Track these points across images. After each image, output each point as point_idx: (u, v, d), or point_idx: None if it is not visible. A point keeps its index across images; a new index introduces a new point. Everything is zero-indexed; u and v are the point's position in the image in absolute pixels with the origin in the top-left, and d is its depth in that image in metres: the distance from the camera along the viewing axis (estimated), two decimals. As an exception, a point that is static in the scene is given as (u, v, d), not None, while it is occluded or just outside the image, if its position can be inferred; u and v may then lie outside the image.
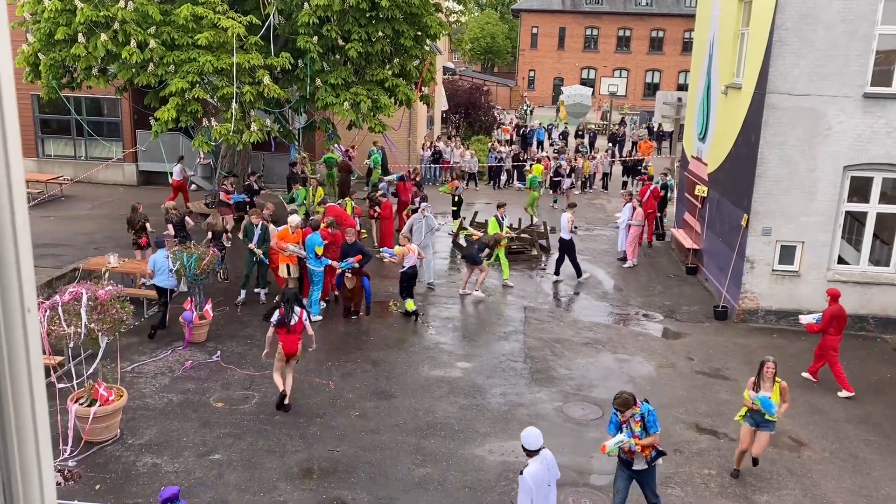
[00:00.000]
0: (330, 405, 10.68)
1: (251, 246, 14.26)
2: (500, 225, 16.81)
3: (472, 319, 14.54)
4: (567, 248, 16.98)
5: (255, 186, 19.76)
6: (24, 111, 22.16)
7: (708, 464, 9.71)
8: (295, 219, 14.50)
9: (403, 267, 14.25)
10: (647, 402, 7.97)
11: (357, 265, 13.75)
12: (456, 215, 21.18)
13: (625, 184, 29.52)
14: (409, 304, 14.31)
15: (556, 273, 17.23)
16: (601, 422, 10.70)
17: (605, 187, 29.03)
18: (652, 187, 20.93)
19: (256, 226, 14.29)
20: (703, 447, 10.13)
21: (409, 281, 14.33)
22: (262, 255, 14.28)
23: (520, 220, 21.19)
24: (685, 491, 9.07)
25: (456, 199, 21.09)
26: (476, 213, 21.17)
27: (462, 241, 19.63)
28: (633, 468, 7.94)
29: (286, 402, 10.37)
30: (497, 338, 13.68)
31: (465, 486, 8.93)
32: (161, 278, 12.70)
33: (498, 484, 9.00)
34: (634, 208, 18.64)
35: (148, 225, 15.48)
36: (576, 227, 16.26)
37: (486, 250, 15.68)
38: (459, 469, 9.30)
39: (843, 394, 11.87)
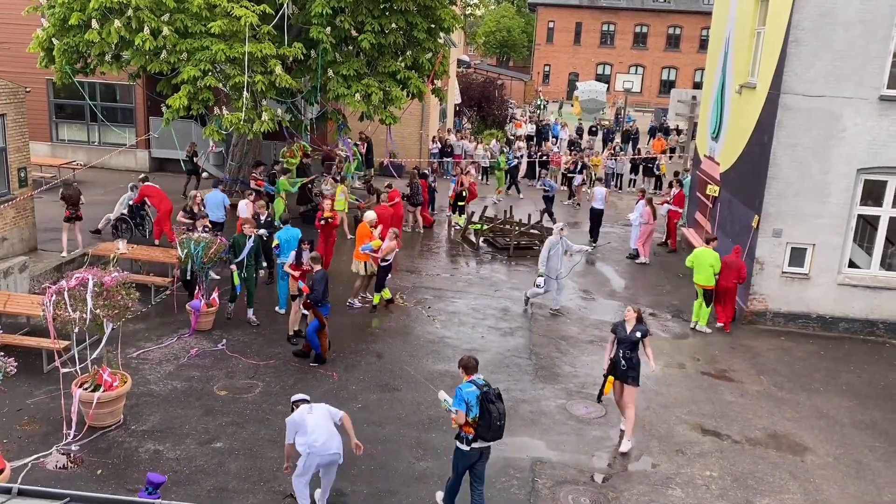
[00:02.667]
0: (333, 397, 10.68)
1: (233, 267, 12.75)
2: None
3: (477, 314, 14.51)
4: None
5: (278, 177, 19.74)
6: (38, 96, 22.25)
7: (710, 465, 9.66)
8: (370, 215, 14.58)
9: (387, 261, 14.10)
10: (479, 379, 7.86)
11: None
12: (455, 209, 21.18)
13: (632, 181, 29.40)
14: (386, 293, 14.41)
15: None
16: (604, 420, 10.68)
17: (619, 187, 28.89)
18: (675, 191, 20.55)
19: (249, 237, 12.77)
20: (706, 449, 10.07)
21: (386, 273, 14.27)
22: (236, 275, 12.93)
23: (505, 211, 21.13)
24: (686, 492, 9.03)
25: (464, 193, 21.06)
26: (486, 208, 21.13)
27: (472, 237, 19.61)
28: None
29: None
30: (502, 333, 13.65)
31: (465, 481, 8.90)
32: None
33: (498, 479, 8.98)
34: (646, 207, 18.52)
35: (83, 198, 15.59)
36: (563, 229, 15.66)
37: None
38: (460, 464, 9.28)
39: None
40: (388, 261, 14.12)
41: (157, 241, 16.22)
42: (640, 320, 10.03)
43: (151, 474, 7.03)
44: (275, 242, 13.43)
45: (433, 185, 22.15)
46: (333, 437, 7.80)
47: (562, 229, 14.92)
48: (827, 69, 13.62)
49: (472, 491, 8.10)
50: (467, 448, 7.86)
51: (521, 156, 29.34)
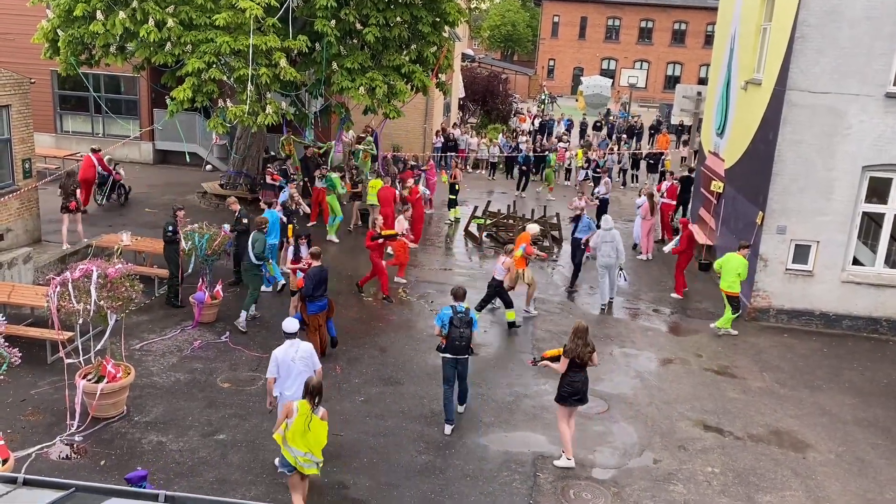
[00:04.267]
0: (336, 389, 10.71)
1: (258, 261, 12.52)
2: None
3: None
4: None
5: (291, 171, 19.84)
6: (43, 87, 22.27)
7: (711, 462, 9.66)
8: (534, 228, 15.09)
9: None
10: (460, 306, 9.83)
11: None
12: (452, 203, 21.16)
13: (635, 177, 29.37)
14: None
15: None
16: (606, 416, 10.69)
17: (623, 183, 28.85)
18: (668, 184, 20.58)
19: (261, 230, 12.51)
20: (708, 445, 10.08)
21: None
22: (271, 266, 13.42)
23: (508, 206, 21.12)
24: (687, 488, 9.04)
25: (457, 187, 21.03)
26: (489, 203, 21.12)
27: (474, 231, 19.60)
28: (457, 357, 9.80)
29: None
30: (505, 328, 13.66)
31: (466, 475, 8.94)
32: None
33: (500, 474, 9.00)
34: (645, 202, 18.50)
35: (78, 192, 15.86)
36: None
37: None
38: (462, 458, 9.31)
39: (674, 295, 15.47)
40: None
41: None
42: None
43: (128, 476, 6.89)
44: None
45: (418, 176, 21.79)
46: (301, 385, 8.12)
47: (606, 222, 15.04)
48: (832, 66, 13.57)
49: (460, 385, 10.17)
50: (442, 355, 9.86)
51: (519, 148, 29.38)
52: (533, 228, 14.90)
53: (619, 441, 10.05)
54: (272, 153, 20.81)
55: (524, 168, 25.89)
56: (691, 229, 16.45)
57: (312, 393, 7.44)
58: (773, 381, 12.22)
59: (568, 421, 9.27)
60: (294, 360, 8.48)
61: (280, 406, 8.36)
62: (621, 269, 15.14)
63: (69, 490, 3.73)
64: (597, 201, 20.71)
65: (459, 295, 10.01)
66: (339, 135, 22.28)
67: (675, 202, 20.52)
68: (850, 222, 14.17)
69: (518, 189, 25.54)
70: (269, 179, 18.88)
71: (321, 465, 7.68)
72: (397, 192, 17.92)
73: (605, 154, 28.36)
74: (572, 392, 9.06)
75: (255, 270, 12.63)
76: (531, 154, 26.77)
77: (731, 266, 13.67)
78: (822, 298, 14.54)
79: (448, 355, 9.79)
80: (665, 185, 20.55)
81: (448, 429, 9.87)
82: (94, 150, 18.82)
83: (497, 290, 13.58)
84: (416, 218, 17.57)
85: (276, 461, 8.30)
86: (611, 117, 42.43)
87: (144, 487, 6.69)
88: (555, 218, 20.20)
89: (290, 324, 8.71)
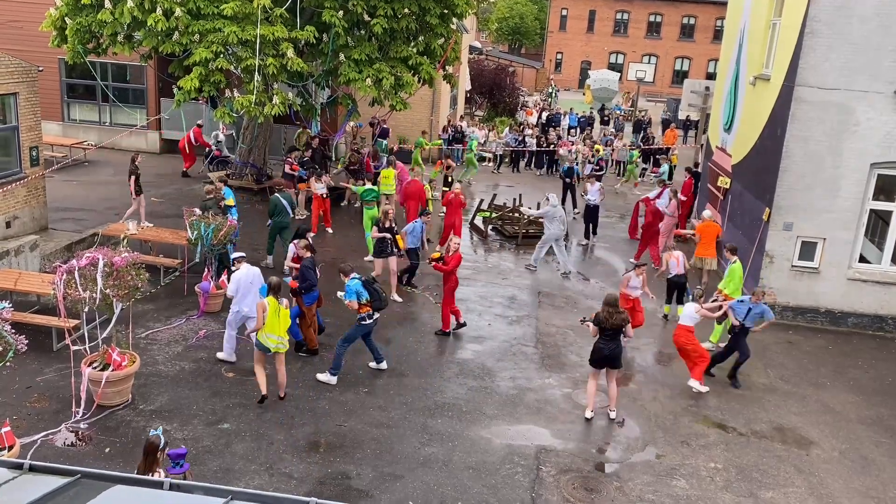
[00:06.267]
0: (340, 380, 10.73)
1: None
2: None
3: (485, 302, 14.53)
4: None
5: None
6: (50, 75, 22.27)
7: (714, 457, 9.67)
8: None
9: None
10: (356, 275, 10.66)
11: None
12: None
13: (644, 171, 29.27)
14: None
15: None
16: (609, 410, 10.68)
17: (619, 174, 28.77)
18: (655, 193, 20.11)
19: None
20: (711, 440, 10.08)
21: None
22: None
23: (514, 199, 21.05)
24: (690, 483, 9.05)
25: (450, 179, 21.01)
26: (495, 196, 21.09)
27: (480, 224, 19.59)
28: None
29: None
30: (510, 321, 13.67)
31: (469, 467, 8.97)
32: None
33: (503, 466, 9.02)
34: (671, 199, 18.42)
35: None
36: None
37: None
38: (465, 450, 9.33)
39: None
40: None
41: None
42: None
43: (171, 451, 6.91)
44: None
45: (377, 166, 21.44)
46: (256, 299, 10.49)
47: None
48: (842, 62, 13.49)
49: (368, 344, 11.10)
50: (369, 321, 10.68)
51: (524, 141, 29.41)
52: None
53: (622, 435, 10.07)
54: (293, 145, 20.97)
55: (567, 181, 22.17)
56: (654, 205, 17.82)
57: (275, 290, 9.82)
58: (776, 378, 12.21)
59: (598, 382, 10.44)
60: (252, 282, 10.72)
61: (229, 333, 10.97)
62: (566, 240, 17.44)
63: (75, 476, 3.75)
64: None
65: (347, 270, 10.71)
66: (343, 125, 22.31)
67: (686, 199, 20.19)
68: (857, 220, 14.12)
69: (563, 204, 20.81)
70: (287, 170, 19.05)
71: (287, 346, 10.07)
72: (427, 191, 17.83)
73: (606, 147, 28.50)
74: (599, 357, 10.16)
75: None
76: (573, 164, 23.65)
77: (737, 276, 13.03)
78: (827, 296, 14.51)
79: (375, 316, 10.77)
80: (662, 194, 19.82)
81: (334, 379, 10.69)
82: (197, 125, 21.35)
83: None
84: (445, 225, 16.90)
85: (254, 342, 10.11)
86: (606, 111, 42.37)
87: (182, 465, 6.61)
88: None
89: (238, 254, 11.15)
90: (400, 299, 14.23)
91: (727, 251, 13.31)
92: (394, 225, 14.43)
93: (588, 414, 10.36)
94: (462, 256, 13.11)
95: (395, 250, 14.30)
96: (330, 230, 18.01)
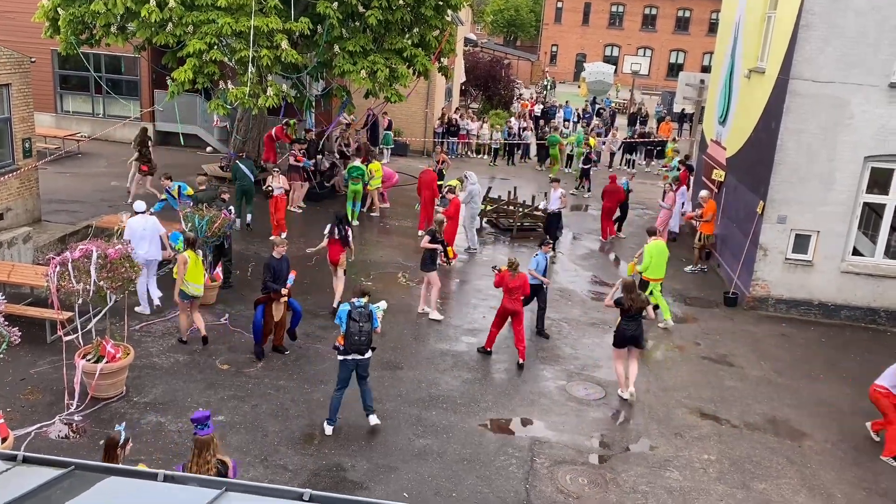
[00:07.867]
0: (335, 372, 10.68)
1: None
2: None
3: (479, 295, 14.54)
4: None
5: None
6: (43, 66, 22.16)
7: (708, 449, 9.71)
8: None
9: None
10: (358, 301, 9.12)
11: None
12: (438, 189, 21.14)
13: (631, 163, 29.47)
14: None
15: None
16: (603, 402, 10.73)
17: (608, 165, 28.80)
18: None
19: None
20: (704, 432, 10.12)
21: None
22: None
23: (509, 192, 21.04)
24: (683, 475, 9.09)
25: (444, 172, 20.98)
26: (489, 189, 21.06)
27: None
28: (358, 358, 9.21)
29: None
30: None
31: (463, 459, 8.99)
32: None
33: (497, 458, 9.05)
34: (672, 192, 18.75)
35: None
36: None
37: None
38: (459, 442, 9.35)
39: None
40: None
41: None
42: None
43: (193, 416, 6.40)
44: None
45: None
46: (152, 245, 11.89)
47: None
48: (837, 55, 13.50)
49: (361, 387, 9.42)
50: (341, 358, 9.17)
51: (519, 134, 29.39)
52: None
53: (615, 427, 10.11)
54: (298, 136, 20.92)
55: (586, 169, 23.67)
56: (619, 185, 18.90)
57: (193, 244, 10.94)
58: (770, 370, 12.26)
59: (623, 361, 10.84)
60: (145, 228, 11.76)
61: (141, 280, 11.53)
62: (559, 230, 17.95)
63: (68, 468, 3.73)
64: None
65: (356, 292, 9.28)
66: (336, 117, 22.22)
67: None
68: (851, 213, 14.16)
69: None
70: (292, 161, 19.04)
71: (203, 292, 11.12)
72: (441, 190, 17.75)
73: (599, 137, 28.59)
74: (623, 338, 10.68)
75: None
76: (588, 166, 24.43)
77: (650, 255, 13.25)
78: (821, 288, 14.56)
79: (348, 357, 9.09)
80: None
81: (329, 429, 9.24)
82: (286, 124, 20.59)
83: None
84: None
85: (177, 296, 10.90)
86: (597, 105, 42.39)
87: (208, 426, 6.27)
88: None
89: (139, 205, 12.02)
90: (440, 318, 13.12)
91: (647, 232, 14.07)
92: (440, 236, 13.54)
93: (625, 395, 10.78)
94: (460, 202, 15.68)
95: (445, 259, 14.81)
96: (284, 235, 17.29)
